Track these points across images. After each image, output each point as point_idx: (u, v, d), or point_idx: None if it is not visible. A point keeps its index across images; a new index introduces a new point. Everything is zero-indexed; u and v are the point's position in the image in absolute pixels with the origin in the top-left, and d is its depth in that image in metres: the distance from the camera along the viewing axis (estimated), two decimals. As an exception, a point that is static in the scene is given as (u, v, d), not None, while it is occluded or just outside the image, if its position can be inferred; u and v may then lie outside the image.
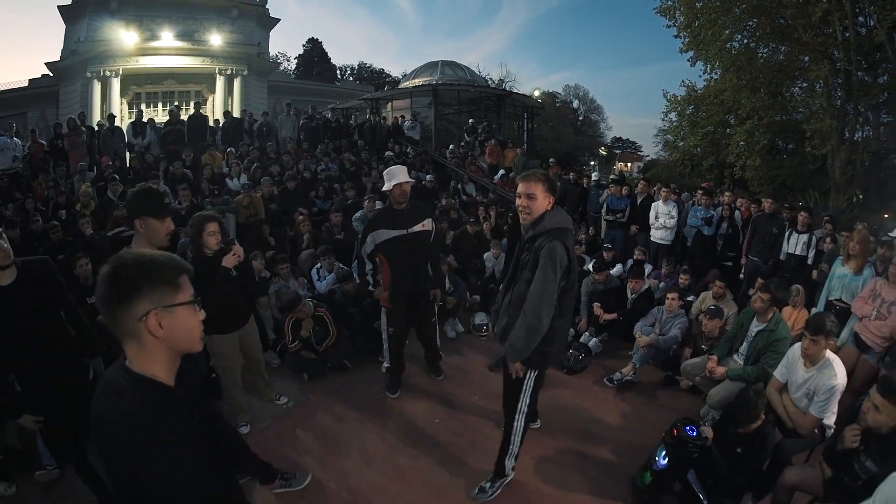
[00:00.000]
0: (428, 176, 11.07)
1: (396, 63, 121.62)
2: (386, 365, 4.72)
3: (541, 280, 2.63)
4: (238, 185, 8.98)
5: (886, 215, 13.57)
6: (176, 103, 20.36)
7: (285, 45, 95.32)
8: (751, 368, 3.92)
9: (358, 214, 7.81)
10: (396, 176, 4.04)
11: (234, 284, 3.67)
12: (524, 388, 2.99)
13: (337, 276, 6.12)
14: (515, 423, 3.10)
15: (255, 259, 6.02)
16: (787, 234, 6.54)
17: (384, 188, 4.13)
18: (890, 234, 7.17)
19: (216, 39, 25.43)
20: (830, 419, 3.19)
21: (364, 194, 8.81)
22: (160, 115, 19.58)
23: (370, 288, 4.34)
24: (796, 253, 6.39)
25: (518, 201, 2.76)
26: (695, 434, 3.09)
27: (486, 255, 7.17)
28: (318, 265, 6.16)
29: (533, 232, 2.72)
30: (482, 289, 6.64)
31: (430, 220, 4.31)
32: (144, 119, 12.04)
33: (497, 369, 4.91)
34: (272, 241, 7.01)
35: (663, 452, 3.14)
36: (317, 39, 42.74)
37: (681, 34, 16.95)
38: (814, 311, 5.05)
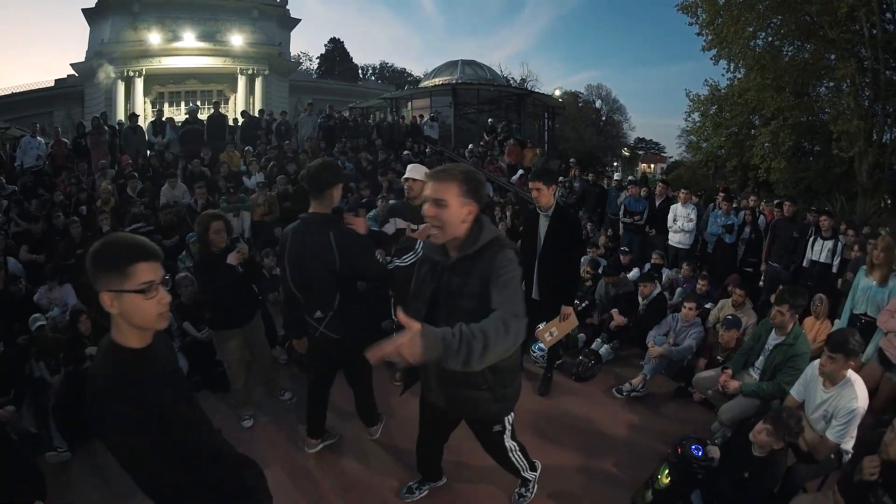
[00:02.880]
0: None
1: (419, 63, 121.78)
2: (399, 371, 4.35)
3: (508, 305, 1.93)
4: (254, 183, 9.06)
5: None
6: (198, 102, 20.72)
7: (307, 44, 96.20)
8: (766, 384, 3.69)
9: (371, 213, 7.72)
10: (416, 171, 4.00)
11: (239, 281, 3.77)
12: (507, 433, 2.60)
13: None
14: (514, 458, 2.75)
15: (267, 257, 6.06)
16: (811, 239, 6.29)
17: (409, 175, 4.06)
18: None
19: (237, 40, 25.69)
20: (849, 444, 2.98)
21: (379, 193, 8.75)
22: (183, 115, 19.72)
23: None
24: (820, 260, 6.14)
25: (424, 209, 2.12)
26: (701, 454, 2.94)
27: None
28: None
29: (465, 253, 2.12)
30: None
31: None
32: (164, 118, 12.33)
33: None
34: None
35: (666, 471, 3.01)
36: (338, 39, 42.99)
37: (703, 32, 16.65)
38: (836, 323, 4.84)
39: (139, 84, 24.68)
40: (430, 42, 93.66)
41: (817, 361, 3.14)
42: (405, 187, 4.07)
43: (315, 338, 3.23)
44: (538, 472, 3.05)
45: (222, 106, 23.88)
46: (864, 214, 12.76)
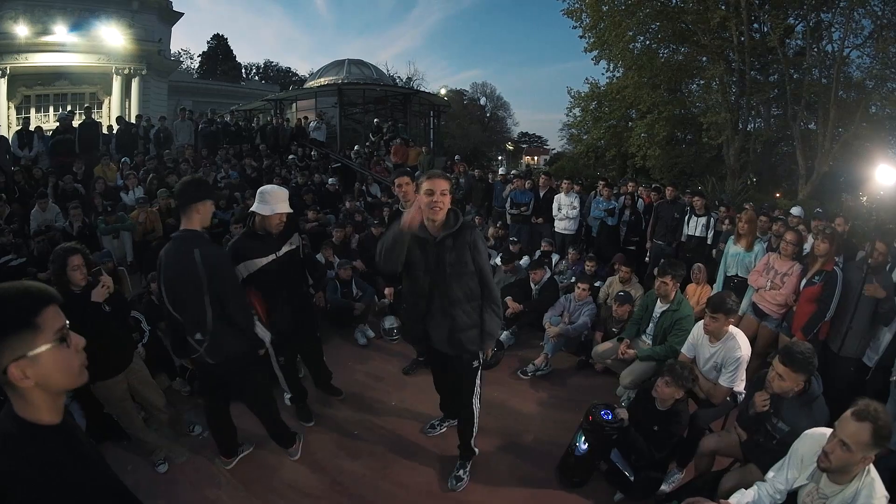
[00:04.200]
0: (331, 179, 10.76)
1: (308, 61, 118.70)
2: (289, 395, 4.26)
3: (487, 266, 2.95)
4: (133, 199, 8.24)
5: (778, 195, 15.36)
6: (68, 107, 18.73)
7: (188, 41, 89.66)
8: (659, 347, 4.09)
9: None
10: (277, 203, 3.40)
11: (109, 322, 3.32)
12: (479, 373, 3.22)
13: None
14: (475, 406, 3.31)
15: (154, 281, 5.58)
16: (686, 217, 6.94)
17: (256, 209, 3.40)
18: (791, 211, 7.90)
19: (114, 34, 22.62)
20: (740, 386, 3.43)
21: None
22: (52, 122, 17.51)
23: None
24: (696, 234, 6.81)
25: (432, 199, 2.73)
26: (610, 417, 3.18)
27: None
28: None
29: (451, 231, 2.83)
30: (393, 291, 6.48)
31: (297, 234, 3.84)
32: (32, 127, 10.92)
33: (413, 372, 4.90)
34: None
35: (582, 438, 3.22)
36: (222, 36, 40.18)
37: (586, 35, 17.73)
38: (714, 287, 5.43)
39: (2, 85, 21.16)
40: (318, 41, 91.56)
41: (702, 322, 3.53)
42: (273, 221, 3.45)
43: (199, 360, 3.06)
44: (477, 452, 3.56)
45: (95, 111, 21.52)
46: (732, 193, 14.22)
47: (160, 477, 3.55)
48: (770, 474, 2.38)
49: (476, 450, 3.54)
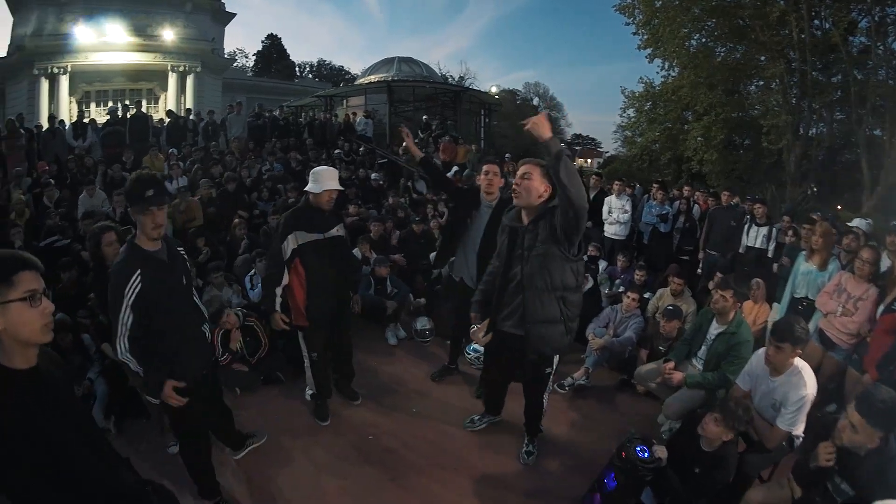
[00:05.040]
0: (374, 174, 10.67)
1: (360, 61, 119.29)
2: (311, 392, 4.15)
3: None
4: (175, 188, 8.31)
5: (839, 207, 13.96)
6: (126, 101, 19.48)
7: (244, 41, 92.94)
8: (711, 375, 3.60)
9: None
10: (327, 181, 3.55)
11: None
12: (548, 382, 3.33)
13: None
14: (544, 401, 3.42)
15: None
16: (746, 226, 6.35)
17: (309, 188, 3.58)
18: (849, 224, 7.10)
19: (169, 35, 24.24)
20: (799, 429, 2.89)
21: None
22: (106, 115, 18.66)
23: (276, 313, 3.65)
24: (756, 246, 6.21)
25: (514, 182, 2.86)
26: (647, 455, 2.76)
27: (432, 255, 6.75)
28: (252, 272, 5.69)
29: (536, 214, 2.83)
30: (429, 290, 6.25)
31: (342, 225, 3.88)
32: (86, 119, 11.66)
33: (441, 379, 4.67)
34: (203, 248, 6.32)
35: (612, 475, 2.83)
36: (276, 36, 41.23)
37: (639, 31, 17.14)
38: (775, 306, 4.87)
39: (64, 82, 22.81)
40: (371, 40, 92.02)
41: (762, 350, 3.04)
42: (323, 198, 3.56)
43: None
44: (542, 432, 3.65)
45: (152, 105, 23.00)
46: (793, 202, 13.32)
47: (170, 458, 3.57)
48: None
49: (542, 429, 3.62)
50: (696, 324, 4.03)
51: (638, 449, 2.78)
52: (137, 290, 2.40)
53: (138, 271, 2.41)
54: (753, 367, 3.17)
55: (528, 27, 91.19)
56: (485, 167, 3.93)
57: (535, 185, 2.79)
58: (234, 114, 13.00)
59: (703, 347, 3.87)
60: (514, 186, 2.84)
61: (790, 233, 5.92)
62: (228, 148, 11.37)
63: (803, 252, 4.72)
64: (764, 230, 6.18)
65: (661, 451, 2.81)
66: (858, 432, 2.18)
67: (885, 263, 4.19)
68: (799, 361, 2.92)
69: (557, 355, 3.17)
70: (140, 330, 2.44)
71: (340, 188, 3.67)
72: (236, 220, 7.02)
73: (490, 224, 3.82)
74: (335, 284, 3.76)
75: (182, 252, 2.80)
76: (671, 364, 3.88)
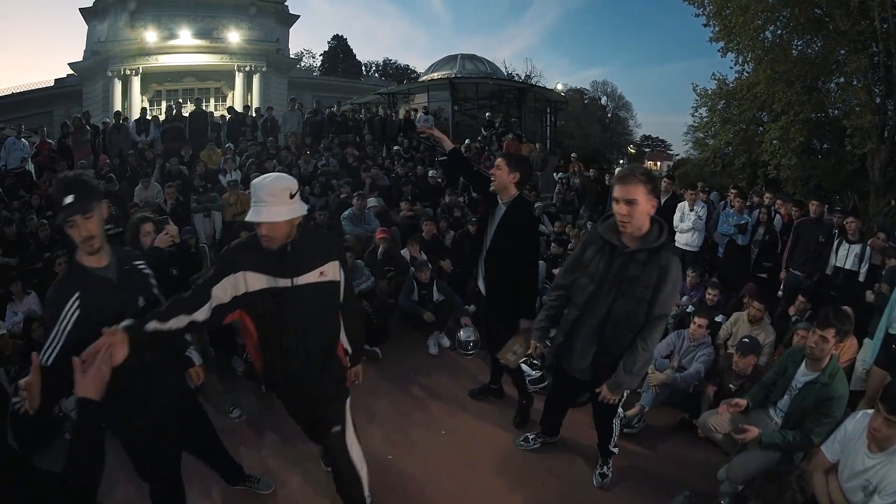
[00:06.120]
0: (432, 171, 10.46)
1: (426, 59, 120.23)
2: None
3: (667, 304, 2.50)
4: (228, 181, 8.70)
5: None
6: (197, 98, 20.41)
7: (311, 41, 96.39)
8: (792, 434, 2.85)
9: (346, 213, 7.19)
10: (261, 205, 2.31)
11: (175, 283, 3.42)
12: (619, 408, 3.08)
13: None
14: (614, 426, 3.18)
15: None
16: (835, 243, 5.51)
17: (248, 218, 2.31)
18: None
19: (234, 37, 25.65)
20: None
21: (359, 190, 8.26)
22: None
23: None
24: (846, 267, 5.34)
25: (616, 208, 2.38)
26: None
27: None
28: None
29: (648, 245, 2.43)
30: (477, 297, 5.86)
31: (338, 263, 2.40)
32: (149, 116, 12.31)
33: (480, 398, 4.27)
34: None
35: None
36: (342, 36, 42.75)
37: (710, 23, 16.03)
38: (866, 342, 4.07)
39: (136, 83, 24.62)
40: (436, 39, 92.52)
41: (863, 414, 2.45)
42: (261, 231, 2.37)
43: None
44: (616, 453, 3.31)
45: (220, 103, 24.58)
46: (877, 214, 12.07)
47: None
48: None
49: (616, 448, 3.30)
50: (781, 365, 3.23)
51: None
52: (75, 317, 1.95)
53: (76, 294, 1.98)
54: (849, 433, 2.53)
55: (595, 23, 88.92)
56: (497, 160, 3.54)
57: (642, 210, 2.34)
58: (290, 110, 13.24)
59: (786, 397, 3.10)
60: (620, 218, 2.37)
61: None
62: (286, 143, 11.64)
63: None
64: (856, 248, 5.31)
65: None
66: None
67: None
68: (911, 439, 2.27)
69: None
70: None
71: (283, 218, 2.28)
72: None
73: (501, 225, 3.43)
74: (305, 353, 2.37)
75: (142, 267, 2.29)
76: (743, 403, 3.09)
